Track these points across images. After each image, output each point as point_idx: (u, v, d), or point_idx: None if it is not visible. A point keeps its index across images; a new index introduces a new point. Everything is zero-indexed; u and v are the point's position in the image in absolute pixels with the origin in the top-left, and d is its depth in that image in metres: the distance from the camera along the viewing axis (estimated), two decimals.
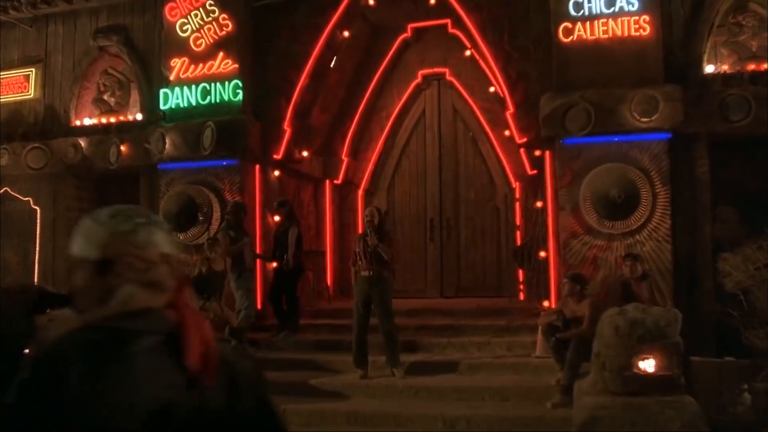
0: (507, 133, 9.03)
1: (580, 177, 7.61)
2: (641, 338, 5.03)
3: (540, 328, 6.76)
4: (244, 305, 7.79)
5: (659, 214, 7.49)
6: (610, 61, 7.65)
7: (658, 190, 7.48)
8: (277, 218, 8.75)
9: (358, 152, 10.70)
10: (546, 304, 8.08)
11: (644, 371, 5.06)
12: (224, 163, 8.71)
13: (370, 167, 10.68)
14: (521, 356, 7.26)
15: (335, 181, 10.54)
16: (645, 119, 7.46)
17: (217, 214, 8.66)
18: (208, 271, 7.70)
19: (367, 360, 6.89)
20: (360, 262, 6.80)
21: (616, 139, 7.61)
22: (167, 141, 8.82)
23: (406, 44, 10.54)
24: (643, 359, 5.03)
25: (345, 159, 10.52)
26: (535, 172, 9.06)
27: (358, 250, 6.83)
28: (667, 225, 7.44)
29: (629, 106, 7.47)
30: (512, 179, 9.91)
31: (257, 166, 8.99)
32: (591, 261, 7.58)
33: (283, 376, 7.02)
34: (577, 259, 7.61)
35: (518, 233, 9.58)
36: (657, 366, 5.03)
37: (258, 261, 8.70)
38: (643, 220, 7.45)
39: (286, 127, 9.06)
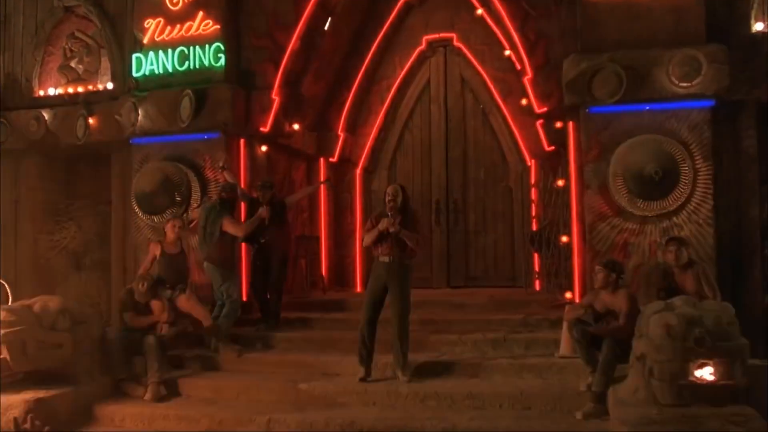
0: (524, 101, 8.34)
1: (609, 151, 6.93)
2: (699, 340, 4.24)
3: (566, 323, 6.00)
4: (231, 298, 7.03)
5: (700, 193, 6.79)
6: (644, 18, 6.94)
7: (698, 166, 6.77)
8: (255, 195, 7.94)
9: (355, 127, 10.19)
10: (569, 295, 7.45)
11: (702, 380, 4.28)
12: (204, 137, 8.01)
13: (369, 144, 10.18)
14: (543, 356, 6.55)
15: (330, 159, 10.00)
16: (685, 84, 6.74)
17: (196, 194, 7.99)
18: (163, 257, 7.01)
19: (372, 358, 6.25)
20: (380, 246, 6.13)
21: (651, 107, 6.90)
22: (140, 112, 8.11)
23: (408, 6, 9.99)
24: (701, 366, 4.25)
25: (341, 134, 9.99)
26: (554, 148, 8.53)
27: (381, 228, 6.07)
28: (709, 206, 6.76)
29: (666, 69, 6.76)
30: (527, 156, 9.42)
31: (242, 140, 8.29)
32: (621, 247, 6.91)
33: (267, 378, 6.42)
34: (605, 244, 6.96)
35: (534, 216, 9.01)
36: (718, 374, 4.25)
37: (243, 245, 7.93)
38: (682, 199, 6.74)
39: (275, 96, 8.36)
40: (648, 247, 6.82)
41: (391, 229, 6.02)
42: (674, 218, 6.79)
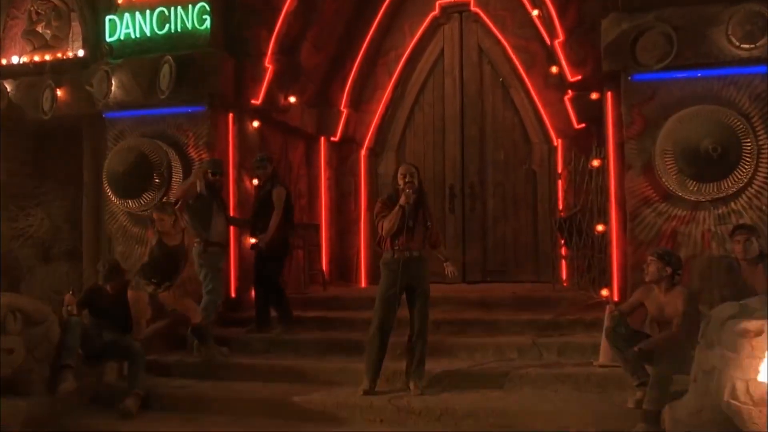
0: (554, 69, 7.77)
1: (656, 125, 6.35)
2: None
3: (605, 329, 5.25)
4: (207, 288, 6.33)
5: (762, 174, 6.16)
6: None
7: (762, 142, 6.13)
8: (255, 181, 7.47)
9: (360, 103, 9.73)
10: (605, 293, 6.82)
11: None
12: (188, 110, 7.50)
13: (375, 121, 9.68)
14: (579, 364, 5.88)
15: (332, 139, 9.56)
16: (747, 46, 6.12)
17: (177, 176, 7.40)
18: (159, 248, 6.24)
19: (380, 370, 5.63)
20: (398, 238, 5.53)
21: (705, 73, 6.31)
22: (114, 82, 7.62)
23: None
24: None
25: (344, 111, 9.51)
26: (584, 125, 8.07)
27: (402, 202, 5.48)
28: None
29: (725, 29, 6.15)
30: (553, 135, 8.88)
31: (230, 115, 7.75)
32: (669, 237, 6.33)
33: (257, 389, 5.81)
34: (649, 234, 6.39)
35: (561, 202, 8.42)
36: None
37: (231, 231, 7.36)
38: (743, 181, 6.10)
39: (268, 64, 7.89)
40: (701, 237, 6.24)
41: (403, 201, 5.45)
42: (732, 203, 6.19)
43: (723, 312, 4.22)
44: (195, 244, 6.52)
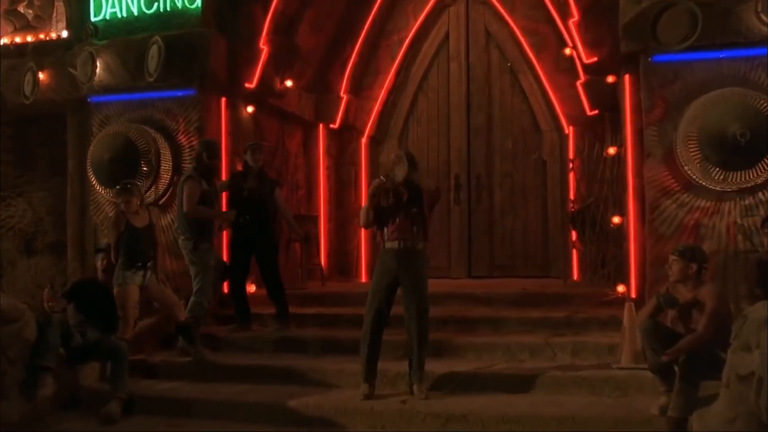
0: (568, 51, 7.63)
1: (678, 109, 6.06)
2: None
3: (639, 327, 4.91)
4: (197, 287, 6.06)
5: None
6: None
7: None
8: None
9: (361, 88, 9.63)
10: (621, 289, 6.57)
11: None
12: (177, 94, 7.25)
13: (376, 108, 9.56)
14: (596, 366, 5.56)
15: (331, 126, 9.44)
16: None
17: (167, 164, 7.13)
18: (130, 233, 5.97)
19: (377, 372, 5.33)
20: (387, 228, 5.25)
21: (732, 54, 5.99)
22: (98, 64, 7.34)
23: None
24: None
25: (344, 97, 9.38)
26: (597, 112, 7.91)
27: (385, 204, 5.22)
28: None
29: (754, 5, 5.83)
30: (564, 123, 8.73)
31: (223, 99, 7.49)
32: (691, 229, 6.04)
33: (249, 392, 5.53)
34: (670, 226, 6.10)
35: (573, 193, 8.24)
36: None
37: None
38: None
39: (263, 45, 7.67)
40: (726, 230, 5.94)
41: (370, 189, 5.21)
42: (760, 194, 5.87)
43: (760, 312, 3.89)
44: (184, 240, 6.18)
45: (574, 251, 8.22)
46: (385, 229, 5.26)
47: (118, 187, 6.10)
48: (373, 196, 5.19)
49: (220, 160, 6.68)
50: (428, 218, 5.30)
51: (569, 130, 8.55)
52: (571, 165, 8.23)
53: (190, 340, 5.94)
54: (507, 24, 8.95)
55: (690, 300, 4.70)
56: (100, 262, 5.97)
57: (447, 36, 9.34)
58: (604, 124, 7.76)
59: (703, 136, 5.74)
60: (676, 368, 4.55)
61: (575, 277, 8.20)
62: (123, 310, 5.82)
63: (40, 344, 5.17)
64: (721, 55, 5.98)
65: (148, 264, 6.01)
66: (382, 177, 5.22)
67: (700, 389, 4.46)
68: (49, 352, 5.21)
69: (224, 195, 6.80)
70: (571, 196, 8.20)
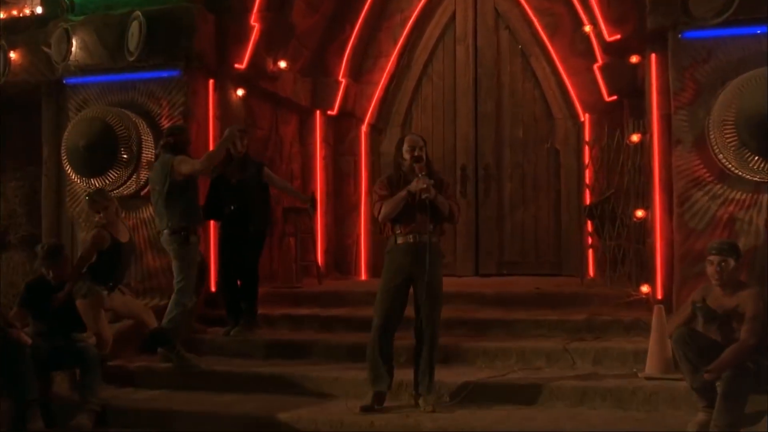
0: (587, 29, 7.35)
1: (711, 92, 5.68)
2: None
3: (673, 337, 4.48)
4: (179, 285, 5.63)
5: None
6: None
7: None
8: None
9: (361, 73, 9.32)
10: (645, 289, 6.22)
11: None
12: (161, 75, 6.89)
13: (377, 94, 9.26)
14: (621, 376, 5.17)
15: (329, 113, 9.10)
16: None
17: (149, 151, 6.70)
18: (113, 247, 5.60)
19: (390, 379, 4.96)
20: (401, 222, 4.89)
21: None
22: (74, 42, 6.95)
23: None
24: None
25: (343, 81, 9.04)
26: (616, 97, 7.59)
27: (414, 189, 4.84)
28: None
29: None
30: (579, 110, 8.39)
31: (210, 81, 7.12)
32: (725, 224, 5.69)
33: (236, 403, 5.20)
34: (701, 220, 5.74)
35: (589, 184, 7.85)
36: None
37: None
38: None
39: (254, 22, 7.29)
40: (763, 225, 5.55)
41: (425, 195, 4.73)
42: None
43: None
44: (170, 234, 5.73)
45: (591, 248, 7.84)
46: (399, 223, 4.88)
47: (86, 198, 5.77)
48: (408, 195, 4.81)
49: (186, 140, 6.06)
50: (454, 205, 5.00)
51: (585, 117, 8.19)
52: (587, 155, 7.85)
53: (170, 345, 5.51)
54: (518, 3, 8.60)
55: (730, 309, 4.28)
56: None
57: (453, 16, 9.00)
58: (622, 111, 7.43)
59: (741, 120, 5.31)
60: (717, 382, 4.14)
61: (591, 275, 7.81)
62: (95, 322, 5.40)
63: (18, 376, 4.75)
64: (761, 30, 5.57)
65: (117, 287, 5.69)
66: (418, 172, 4.82)
67: (746, 405, 4.06)
68: (29, 384, 4.81)
69: (205, 185, 6.37)
70: (586, 188, 7.83)
